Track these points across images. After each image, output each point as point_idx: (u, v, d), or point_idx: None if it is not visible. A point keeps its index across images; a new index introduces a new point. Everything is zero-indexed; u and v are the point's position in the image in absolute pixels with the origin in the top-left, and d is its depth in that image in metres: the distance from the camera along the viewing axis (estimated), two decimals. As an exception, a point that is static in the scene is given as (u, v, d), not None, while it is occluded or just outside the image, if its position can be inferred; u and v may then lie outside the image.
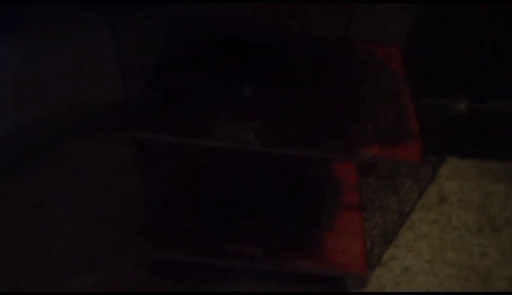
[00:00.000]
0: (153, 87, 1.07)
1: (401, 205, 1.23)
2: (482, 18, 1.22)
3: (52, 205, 1.41)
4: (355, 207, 1.37)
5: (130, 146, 1.14)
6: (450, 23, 1.24)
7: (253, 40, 1.20)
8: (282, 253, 1.26)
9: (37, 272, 1.28)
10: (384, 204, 1.30)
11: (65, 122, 1.57)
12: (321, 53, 1.18)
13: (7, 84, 1.44)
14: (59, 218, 1.39)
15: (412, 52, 1.26)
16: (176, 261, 1.29)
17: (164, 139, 1.00)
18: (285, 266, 1.26)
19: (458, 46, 1.25)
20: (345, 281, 1.38)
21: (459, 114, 0.95)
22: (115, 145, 1.54)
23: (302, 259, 1.25)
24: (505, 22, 1.23)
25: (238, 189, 1.36)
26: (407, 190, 1.19)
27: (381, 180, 1.37)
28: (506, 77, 1.38)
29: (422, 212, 1.51)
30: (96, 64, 1.45)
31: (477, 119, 1.48)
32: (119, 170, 1.48)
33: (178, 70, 1.11)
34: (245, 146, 0.99)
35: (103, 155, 1.53)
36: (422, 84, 1.21)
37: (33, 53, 1.43)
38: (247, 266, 1.28)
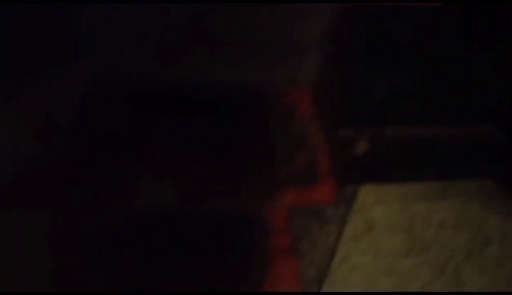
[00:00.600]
0: (64, 150, 1.01)
1: (329, 240, 1.24)
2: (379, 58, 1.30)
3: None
4: (287, 250, 1.36)
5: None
6: (351, 62, 1.32)
7: (163, 93, 1.19)
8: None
9: None
10: (312, 242, 1.30)
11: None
12: (229, 100, 1.19)
13: None
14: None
15: (322, 90, 1.30)
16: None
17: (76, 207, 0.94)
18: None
19: (361, 82, 1.33)
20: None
21: (361, 153, 0.99)
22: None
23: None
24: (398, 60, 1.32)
25: (162, 245, 1.30)
26: (332, 224, 1.21)
27: (308, 218, 1.38)
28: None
29: (352, 243, 1.53)
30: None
31: (389, 146, 1.56)
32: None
33: (92, 131, 1.07)
34: (162, 205, 0.96)
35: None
36: (334, 120, 1.25)
37: None
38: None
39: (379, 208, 1.65)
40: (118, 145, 1.03)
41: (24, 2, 1.14)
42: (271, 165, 1.04)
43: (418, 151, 1.67)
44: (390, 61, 1.36)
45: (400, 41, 1.37)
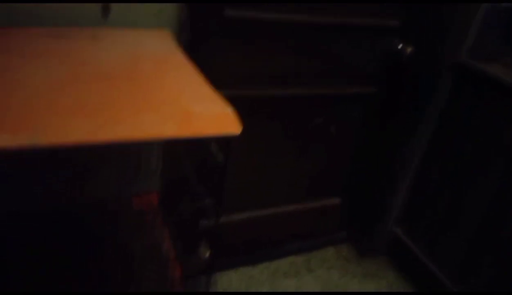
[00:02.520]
0: None
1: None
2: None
3: None
4: None
5: None
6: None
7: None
8: None
9: None
10: None
11: None
12: (75, 219, 1.13)
13: None
14: None
15: (167, 196, 1.31)
16: None
17: None
18: None
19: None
20: None
21: (205, 261, 1.01)
22: None
23: None
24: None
25: None
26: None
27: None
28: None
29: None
30: None
31: (246, 228, 1.63)
32: None
33: None
34: None
35: None
36: (180, 224, 1.25)
37: None
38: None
39: (251, 292, 1.67)
40: None
41: None
42: (126, 278, 0.99)
43: (280, 227, 1.76)
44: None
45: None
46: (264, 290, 1.68)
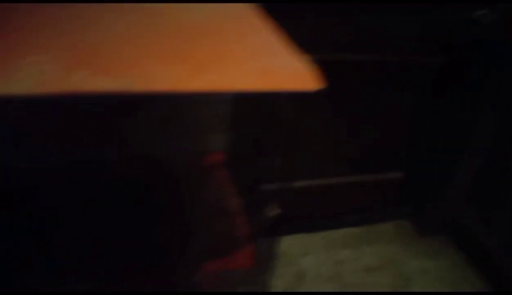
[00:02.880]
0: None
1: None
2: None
3: None
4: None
5: None
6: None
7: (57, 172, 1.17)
8: None
9: None
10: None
11: None
12: (146, 173, 1.20)
13: None
14: None
15: (235, 155, 1.34)
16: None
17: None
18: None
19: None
20: None
21: (275, 218, 1.04)
22: None
23: None
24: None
25: None
26: (258, 284, 1.22)
27: (232, 282, 1.38)
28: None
29: (284, 296, 1.56)
30: None
31: (311, 196, 1.65)
32: None
33: None
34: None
35: None
36: (247, 184, 1.29)
37: None
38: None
39: (307, 258, 1.70)
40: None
41: None
42: (190, 235, 1.05)
43: (340, 198, 1.76)
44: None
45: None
46: (320, 258, 1.70)
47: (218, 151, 1.28)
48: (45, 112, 1.02)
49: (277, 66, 0.75)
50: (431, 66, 1.58)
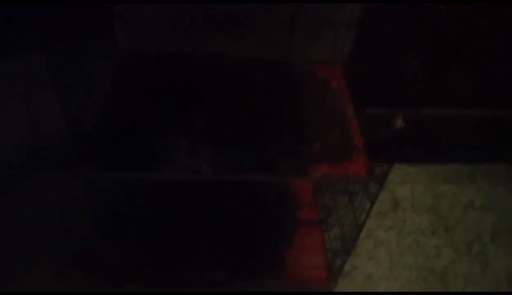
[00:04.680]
0: (102, 123, 1.07)
1: (357, 214, 1.27)
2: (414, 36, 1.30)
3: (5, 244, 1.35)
4: (314, 222, 1.40)
5: (82, 184, 1.13)
6: (386, 40, 1.33)
7: (199, 68, 1.22)
8: (246, 275, 1.28)
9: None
10: (340, 216, 1.34)
11: (10, 161, 1.52)
12: (266, 76, 1.22)
13: None
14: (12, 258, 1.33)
15: (354, 68, 1.31)
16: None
17: (114, 175, 1.00)
18: (250, 287, 1.27)
19: (395, 61, 1.34)
20: (310, 295, 1.41)
21: (397, 130, 1.01)
22: (63, 183, 1.49)
23: (266, 278, 1.27)
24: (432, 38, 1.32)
25: (196, 217, 1.37)
26: (361, 200, 1.23)
27: (336, 193, 1.41)
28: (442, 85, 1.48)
29: (378, 219, 1.56)
30: (41, 100, 1.43)
31: (421, 126, 1.57)
32: (73, 207, 1.44)
33: (127, 104, 1.11)
34: (199, 176, 1.00)
35: (53, 193, 1.48)
36: (365, 98, 1.26)
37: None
38: (214, 291, 1.28)
39: (406, 187, 1.67)
40: (152, 117, 1.07)
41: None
42: (304, 139, 1.07)
43: (448, 133, 1.67)
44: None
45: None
46: (419, 189, 1.66)
47: (337, 63, 1.26)
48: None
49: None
50: None
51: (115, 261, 1.25)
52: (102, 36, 1.28)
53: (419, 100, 1.20)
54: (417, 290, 1.42)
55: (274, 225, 1.39)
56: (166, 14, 1.19)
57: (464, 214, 1.60)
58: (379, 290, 1.41)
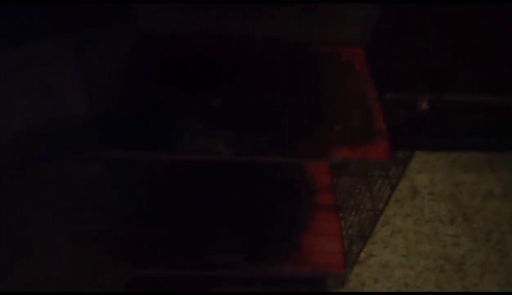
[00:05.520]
0: (120, 104, 1.06)
1: (375, 201, 1.25)
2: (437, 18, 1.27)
3: (25, 227, 1.37)
4: (331, 207, 1.39)
5: (100, 164, 1.13)
6: (409, 22, 1.30)
7: (217, 48, 1.21)
8: (262, 258, 1.27)
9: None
10: (358, 202, 1.32)
11: (31, 142, 1.53)
12: (286, 57, 1.20)
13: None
14: (33, 241, 1.35)
15: (376, 51, 1.29)
16: (156, 277, 1.28)
17: (133, 156, 0.99)
18: (267, 271, 1.27)
19: (418, 44, 1.31)
20: (325, 281, 1.40)
21: (421, 112, 0.99)
22: (84, 164, 1.51)
23: (282, 262, 1.27)
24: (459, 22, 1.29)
25: (213, 199, 1.36)
26: (380, 186, 1.21)
27: (354, 179, 1.39)
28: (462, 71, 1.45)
29: (395, 207, 1.55)
30: (60, 83, 1.43)
31: (441, 113, 1.54)
32: (91, 189, 1.45)
33: (145, 85, 1.11)
34: (217, 156, 1.00)
35: (72, 174, 1.49)
36: (386, 82, 1.24)
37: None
38: (229, 274, 1.28)
39: (424, 175, 1.64)
40: (170, 98, 1.07)
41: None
42: (324, 121, 1.05)
43: (469, 119, 1.63)
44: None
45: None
46: (438, 177, 1.64)
47: (360, 46, 1.23)
48: None
49: None
50: None
51: (133, 241, 1.26)
52: (121, 18, 1.27)
53: (440, 84, 1.17)
54: (433, 279, 1.40)
55: (291, 208, 1.38)
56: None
57: (483, 203, 1.57)
58: (394, 278, 1.40)
